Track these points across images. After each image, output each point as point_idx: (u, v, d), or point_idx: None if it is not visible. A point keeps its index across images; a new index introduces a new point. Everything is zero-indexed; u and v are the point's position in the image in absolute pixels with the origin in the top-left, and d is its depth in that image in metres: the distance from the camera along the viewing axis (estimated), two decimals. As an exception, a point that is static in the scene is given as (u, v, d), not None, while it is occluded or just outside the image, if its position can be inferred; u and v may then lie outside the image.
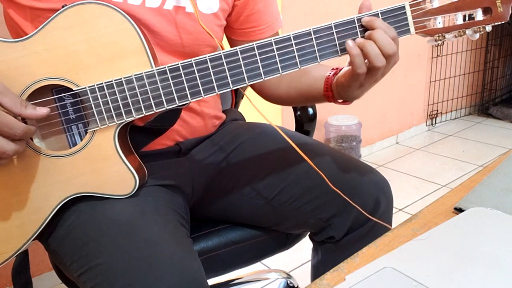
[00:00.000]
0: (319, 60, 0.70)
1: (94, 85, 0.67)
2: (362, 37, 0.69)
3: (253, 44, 0.68)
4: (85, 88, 0.68)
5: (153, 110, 0.69)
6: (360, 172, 0.85)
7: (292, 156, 0.86)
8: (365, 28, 0.69)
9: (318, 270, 0.92)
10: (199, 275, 0.65)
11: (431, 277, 0.52)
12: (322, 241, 0.89)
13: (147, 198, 0.75)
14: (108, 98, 0.68)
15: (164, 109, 0.69)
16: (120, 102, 0.68)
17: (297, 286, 1.27)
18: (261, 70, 0.69)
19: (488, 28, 0.70)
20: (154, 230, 0.68)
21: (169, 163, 0.84)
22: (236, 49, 0.68)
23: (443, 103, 3.05)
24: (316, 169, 0.77)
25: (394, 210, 0.90)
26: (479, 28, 0.70)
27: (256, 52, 0.69)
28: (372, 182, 0.85)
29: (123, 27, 0.67)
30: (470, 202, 0.67)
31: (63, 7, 0.66)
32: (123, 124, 0.70)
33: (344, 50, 0.70)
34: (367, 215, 0.80)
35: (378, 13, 0.69)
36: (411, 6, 0.69)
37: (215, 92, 0.69)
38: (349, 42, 0.69)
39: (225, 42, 0.95)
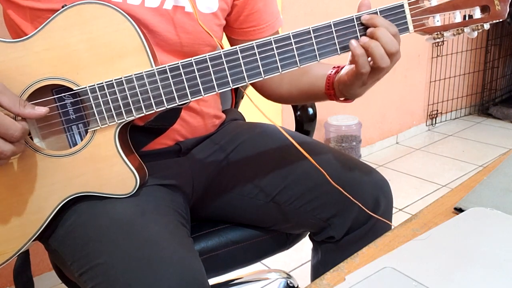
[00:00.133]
0: (318, 58, 0.70)
1: (94, 85, 0.68)
2: (363, 35, 0.69)
3: (252, 43, 0.68)
4: (85, 87, 0.68)
5: (153, 110, 0.69)
6: (360, 172, 0.85)
7: (292, 156, 0.87)
8: (364, 27, 0.69)
9: (318, 270, 0.92)
10: (200, 275, 0.65)
11: (431, 277, 0.52)
12: (322, 241, 0.89)
13: (147, 198, 0.75)
14: (109, 97, 0.68)
15: (164, 108, 0.69)
16: (120, 102, 0.68)
17: (297, 286, 1.27)
18: (261, 69, 0.69)
19: (486, 26, 0.71)
20: (154, 230, 0.68)
21: (169, 163, 0.84)
22: (236, 48, 0.68)
23: (443, 103, 3.05)
24: (318, 166, 0.77)
25: (394, 210, 0.90)
26: (477, 26, 0.71)
27: (256, 51, 0.69)
28: (372, 182, 0.85)
29: (123, 27, 0.67)
30: (470, 202, 0.67)
31: (63, 7, 0.66)
32: (123, 123, 0.70)
33: (343, 49, 0.70)
34: (369, 212, 0.80)
35: (377, 12, 0.69)
36: (409, 4, 0.70)
37: (215, 91, 0.69)
38: (353, 42, 0.69)
39: (225, 42, 0.95)
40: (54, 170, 0.70)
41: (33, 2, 0.71)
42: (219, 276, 0.95)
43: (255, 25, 0.90)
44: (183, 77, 0.68)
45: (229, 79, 0.69)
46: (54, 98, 0.70)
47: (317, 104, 1.10)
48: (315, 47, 0.70)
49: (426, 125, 3.02)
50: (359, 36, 0.70)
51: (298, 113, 1.10)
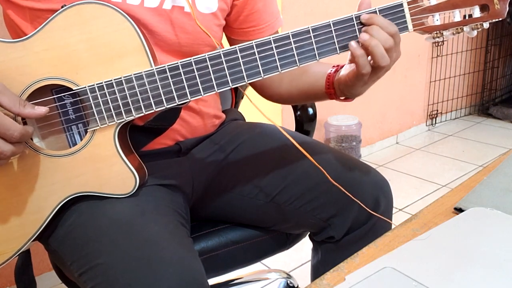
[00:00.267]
0: (318, 58, 0.70)
1: (93, 85, 0.67)
2: None
3: (252, 43, 0.68)
4: (85, 87, 0.68)
5: (153, 109, 0.69)
6: (360, 172, 0.85)
7: (292, 156, 0.87)
8: (363, 26, 0.69)
9: (318, 270, 0.92)
10: (199, 275, 0.65)
11: (431, 277, 0.52)
12: (322, 241, 0.89)
13: (147, 198, 0.75)
14: (108, 97, 0.68)
15: (163, 108, 0.69)
16: (120, 102, 0.68)
17: (297, 286, 1.27)
18: (260, 69, 0.69)
19: (486, 25, 0.71)
20: (154, 230, 0.68)
21: (169, 163, 0.84)
22: (235, 47, 0.68)
23: (443, 103, 3.05)
24: (317, 165, 0.77)
25: (394, 210, 0.90)
26: (476, 25, 0.71)
27: (255, 50, 0.69)
28: (372, 182, 0.85)
29: (123, 26, 0.67)
30: (470, 202, 0.67)
31: (62, 7, 0.66)
32: (123, 123, 0.70)
33: (343, 48, 0.70)
34: (370, 211, 0.80)
35: (376, 11, 0.69)
36: (408, 3, 0.70)
37: (215, 90, 0.69)
38: (353, 44, 0.69)
39: (224, 42, 0.95)
40: (54, 170, 0.70)
41: (33, 2, 0.71)
42: (219, 276, 0.95)
43: (255, 25, 0.90)
44: (183, 76, 0.68)
45: (229, 78, 0.69)
46: (54, 98, 0.70)
47: (317, 104, 1.10)
48: (315, 46, 0.70)
49: (426, 125, 3.02)
50: (358, 36, 0.70)
51: (298, 113, 1.10)
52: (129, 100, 0.68)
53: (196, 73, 0.68)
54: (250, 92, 0.97)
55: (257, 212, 0.89)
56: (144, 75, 0.68)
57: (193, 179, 0.87)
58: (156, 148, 0.83)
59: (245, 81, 0.70)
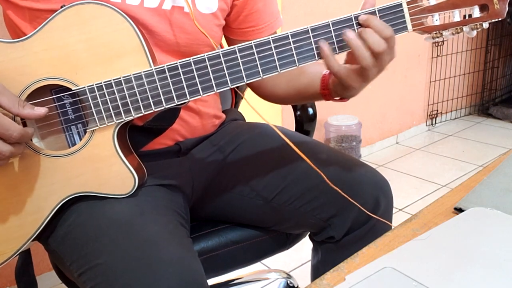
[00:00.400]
0: (317, 58, 0.70)
1: (93, 85, 0.67)
2: None
3: (251, 43, 0.68)
4: (84, 87, 0.68)
5: (152, 109, 0.69)
6: (360, 172, 0.85)
7: (292, 156, 0.86)
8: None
9: (318, 270, 0.92)
10: (199, 275, 0.65)
11: (431, 277, 0.52)
12: (322, 241, 0.89)
13: (147, 198, 0.75)
14: (107, 97, 0.68)
15: (163, 108, 0.69)
16: (119, 102, 0.68)
17: (297, 286, 1.27)
18: (259, 69, 0.69)
19: (485, 25, 0.71)
20: (154, 230, 0.68)
21: (169, 163, 0.84)
22: (234, 47, 0.68)
23: (443, 103, 3.05)
24: (315, 168, 0.77)
25: (394, 210, 0.90)
26: (476, 25, 0.71)
27: (254, 50, 0.69)
28: (372, 182, 0.85)
29: (122, 27, 0.67)
30: (470, 202, 0.67)
31: (61, 7, 0.66)
32: (122, 123, 0.70)
33: (341, 48, 0.70)
34: (368, 213, 0.80)
35: (375, 11, 0.69)
36: (408, 3, 0.69)
37: (214, 90, 0.69)
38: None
39: (223, 42, 0.95)
40: (53, 170, 0.70)
41: (32, 2, 0.71)
42: (219, 276, 0.95)
43: (254, 25, 0.89)
44: (182, 76, 0.68)
45: (228, 78, 0.69)
46: (53, 98, 0.70)
47: (317, 104, 1.10)
48: (314, 46, 0.69)
49: (426, 125, 3.02)
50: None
51: (298, 113, 1.10)
52: (128, 100, 0.68)
53: (195, 73, 0.68)
54: (249, 92, 0.97)
55: (257, 212, 0.89)
56: (143, 75, 0.68)
57: (193, 179, 0.87)
58: (156, 148, 0.83)
59: (244, 81, 0.70)
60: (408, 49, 2.67)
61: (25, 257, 0.83)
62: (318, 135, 2.42)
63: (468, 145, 2.74)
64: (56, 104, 0.71)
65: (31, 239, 0.71)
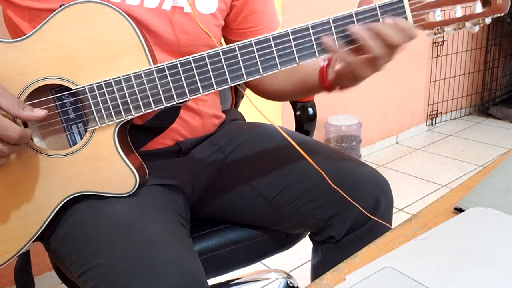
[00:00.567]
0: (317, 55, 0.70)
1: (93, 84, 0.67)
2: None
3: (251, 40, 0.68)
4: (84, 87, 0.68)
5: (152, 108, 0.69)
6: (360, 172, 0.85)
7: (292, 156, 0.86)
8: (363, 22, 0.69)
9: (318, 270, 0.92)
10: (199, 275, 0.65)
11: (431, 277, 0.52)
12: (322, 241, 0.89)
13: (147, 198, 0.75)
14: (107, 96, 0.68)
15: (163, 106, 0.69)
16: (119, 101, 0.68)
17: (297, 286, 1.27)
18: (260, 66, 0.69)
19: (488, 20, 0.70)
20: (154, 230, 0.68)
21: (170, 163, 0.84)
22: (234, 45, 0.68)
23: (443, 103, 3.05)
24: (316, 166, 0.77)
25: (394, 210, 0.90)
26: (478, 20, 0.70)
27: (254, 48, 0.68)
28: (372, 182, 0.85)
29: (121, 25, 0.67)
30: (470, 202, 0.67)
31: (61, 6, 0.66)
32: (122, 122, 0.70)
33: (342, 45, 0.70)
34: (368, 214, 0.80)
35: (376, 7, 0.69)
36: None
37: (214, 89, 0.69)
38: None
39: (222, 43, 0.95)
40: (54, 169, 0.70)
41: (32, 1, 0.71)
42: (219, 276, 0.95)
43: (253, 26, 0.89)
44: (182, 75, 0.68)
45: (228, 76, 0.69)
46: (53, 97, 0.70)
47: (317, 104, 1.10)
48: (314, 43, 0.69)
49: (426, 125, 3.02)
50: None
51: (298, 113, 1.10)
52: (128, 99, 0.68)
53: (195, 71, 0.68)
54: (249, 92, 0.97)
55: (257, 212, 0.89)
56: (143, 74, 0.68)
57: (193, 179, 0.87)
58: (156, 148, 0.83)
59: (244, 79, 0.69)
60: (408, 49, 2.66)
61: (24, 258, 0.83)
62: (318, 135, 2.42)
63: (468, 145, 2.74)
64: (57, 103, 0.70)
65: (33, 239, 0.71)
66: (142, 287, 0.61)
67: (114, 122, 0.69)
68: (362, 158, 2.54)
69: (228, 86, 0.69)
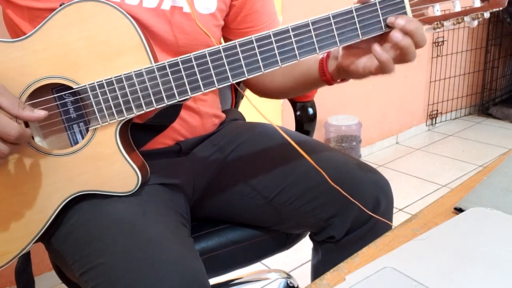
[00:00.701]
0: (318, 51, 0.70)
1: (94, 83, 0.67)
2: (362, 26, 0.69)
3: (251, 37, 0.68)
4: (85, 86, 0.68)
5: (154, 106, 0.69)
6: (360, 172, 0.85)
7: (292, 156, 0.86)
8: (363, 18, 0.69)
9: (318, 270, 0.92)
10: (200, 275, 0.65)
11: (431, 277, 0.52)
12: (322, 241, 0.89)
13: (149, 198, 0.75)
14: (108, 95, 0.68)
15: (164, 104, 0.69)
16: (120, 99, 0.68)
17: (297, 286, 1.27)
18: (260, 63, 0.69)
19: (486, 14, 0.70)
20: (156, 230, 0.68)
21: (170, 163, 0.84)
22: (235, 42, 0.68)
23: (443, 103, 3.05)
24: (316, 166, 0.77)
25: (394, 210, 0.90)
26: (477, 15, 0.70)
27: (255, 45, 0.68)
28: (372, 182, 0.85)
29: (122, 24, 0.67)
30: (470, 202, 0.67)
31: (61, 5, 0.66)
32: (124, 121, 0.70)
33: (343, 41, 0.70)
34: (369, 212, 0.80)
35: (376, 3, 0.69)
36: None
37: (215, 86, 0.69)
38: (377, 49, 0.68)
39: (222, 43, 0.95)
40: (56, 169, 0.70)
41: (31, 1, 0.71)
42: (219, 276, 0.95)
43: (252, 25, 0.89)
44: (183, 73, 0.68)
45: (229, 74, 0.69)
46: (54, 97, 0.70)
47: (317, 104, 1.10)
48: (314, 39, 0.69)
49: (426, 125, 3.02)
50: (358, 28, 0.69)
51: (298, 113, 1.10)
52: (129, 97, 0.68)
53: (196, 69, 0.68)
54: (249, 92, 0.97)
55: (257, 212, 0.89)
56: (144, 72, 0.68)
57: (194, 179, 0.87)
58: (157, 148, 0.83)
59: (245, 76, 0.69)
60: (408, 49, 2.67)
61: (24, 258, 0.83)
62: (318, 135, 2.42)
63: (468, 145, 2.74)
64: (58, 103, 0.70)
65: (35, 239, 0.71)
66: (144, 286, 0.61)
67: (115, 120, 0.69)
68: (362, 158, 2.54)
69: (229, 83, 0.69)
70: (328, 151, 0.89)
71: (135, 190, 0.72)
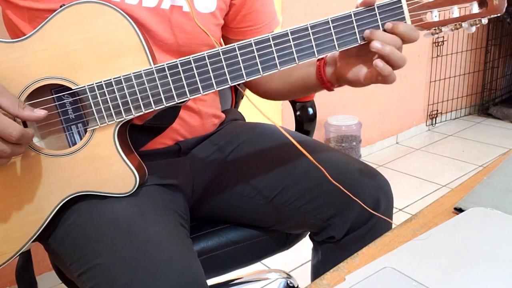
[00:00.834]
0: (316, 55, 0.70)
1: (93, 84, 0.67)
2: (360, 31, 0.69)
3: (250, 41, 0.68)
4: (84, 87, 0.67)
5: (152, 108, 0.69)
6: (360, 172, 0.85)
7: (292, 156, 0.86)
8: (362, 22, 0.69)
9: (318, 270, 0.92)
10: (198, 275, 0.65)
11: (431, 277, 0.52)
12: (322, 241, 0.89)
13: (147, 198, 0.74)
14: (107, 96, 0.68)
15: (163, 106, 0.69)
16: (119, 101, 0.68)
17: (297, 286, 1.27)
18: (259, 66, 0.69)
19: (484, 21, 0.71)
20: (153, 231, 0.68)
21: (169, 163, 0.84)
22: (234, 45, 0.68)
23: (443, 103, 3.05)
24: (317, 164, 0.77)
25: (394, 210, 0.90)
26: (475, 21, 0.71)
27: (254, 48, 0.69)
28: (372, 182, 0.85)
29: (121, 25, 0.67)
30: (470, 202, 0.67)
31: (61, 6, 0.66)
32: (122, 122, 0.70)
33: (341, 45, 0.70)
34: (370, 210, 0.80)
35: (374, 7, 0.69)
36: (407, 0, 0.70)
37: (214, 88, 0.69)
38: (379, 64, 0.69)
39: (222, 42, 0.95)
40: (54, 169, 0.69)
41: (31, 2, 0.71)
42: (219, 276, 0.95)
43: (252, 24, 0.89)
44: (182, 75, 0.68)
45: (228, 76, 0.69)
46: (53, 97, 0.70)
47: (317, 104, 1.10)
48: (313, 43, 0.69)
49: (426, 125, 3.02)
50: (357, 33, 0.70)
51: (298, 113, 1.10)
52: (128, 99, 0.68)
53: (195, 71, 0.68)
54: (249, 92, 0.97)
55: (257, 212, 0.89)
56: (143, 74, 0.68)
57: (193, 179, 0.87)
58: (156, 148, 0.83)
59: (244, 79, 0.69)
60: (408, 49, 2.65)
61: (25, 258, 0.83)
62: (318, 135, 2.42)
63: (468, 145, 2.74)
64: (56, 103, 0.70)
65: (33, 239, 0.71)
66: (142, 287, 0.61)
67: (114, 122, 0.69)
68: (362, 158, 2.54)
69: (228, 85, 0.70)
70: (328, 151, 0.89)
71: (132, 191, 0.72)
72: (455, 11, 0.70)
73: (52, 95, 0.70)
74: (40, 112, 0.64)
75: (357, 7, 0.70)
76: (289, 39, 0.69)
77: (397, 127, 2.83)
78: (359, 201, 0.79)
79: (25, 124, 0.69)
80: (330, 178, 0.77)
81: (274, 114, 2.16)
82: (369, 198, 0.82)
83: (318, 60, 0.80)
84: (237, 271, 0.97)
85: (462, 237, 0.59)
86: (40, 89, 0.67)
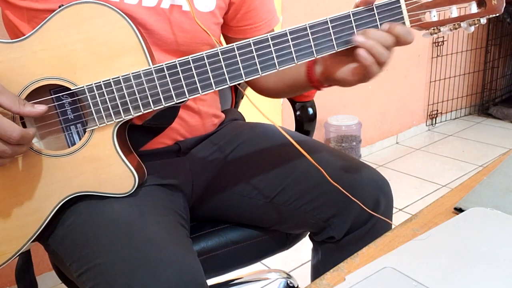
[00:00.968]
0: (315, 55, 0.70)
1: (92, 84, 0.67)
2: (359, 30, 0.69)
3: (249, 41, 0.68)
4: (83, 87, 0.67)
5: (151, 108, 0.69)
6: (360, 172, 0.85)
7: (292, 156, 0.86)
8: (361, 22, 0.69)
9: (318, 270, 0.92)
10: (198, 275, 0.65)
11: (431, 277, 0.52)
12: (322, 241, 0.89)
13: (146, 198, 0.74)
14: (106, 96, 0.68)
15: (162, 106, 0.69)
16: (118, 101, 0.68)
17: (297, 286, 1.27)
18: (258, 66, 0.69)
19: (483, 20, 0.71)
20: (153, 230, 0.68)
21: (169, 163, 0.84)
22: (233, 45, 0.68)
23: (443, 103, 3.05)
24: (317, 165, 0.77)
25: (394, 210, 0.90)
26: (473, 20, 0.71)
27: (253, 48, 0.69)
28: (372, 182, 0.85)
29: (120, 26, 0.67)
30: (470, 202, 0.67)
31: (60, 7, 0.66)
32: (121, 122, 0.70)
33: (340, 45, 0.70)
34: (369, 211, 0.80)
35: (373, 7, 0.69)
36: None
37: (213, 88, 0.69)
38: (362, 53, 0.68)
39: (222, 41, 0.95)
40: (53, 170, 0.69)
41: (30, 2, 0.71)
42: (219, 276, 0.95)
43: (252, 23, 0.89)
44: (181, 75, 0.68)
45: (226, 76, 0.69)
46: (52, 98, 0.70)
47: (317, 104, 1.10)
48: (312, 43, 0.69)
49: (426, 125, 3.02)
50: (355, 33, 0.69)
51: (298, 113, 1.10)
52: (127, 99, 0.68)
53: (194, 71, 0.68)
54: (249, 92, 0.97)
55: (257, 212, 0.89)
56: (142, 74, 0.68)
57: (193, 179, 0.87)
58: (156, 148, 0.83)
59: (243, 79, 0.69)
60: (408, 49, 2.67)
61: (25, 258, 0.83)
62: (318, 135, 2.42)
63: (468, 145, 2.74)
64: (55, 104, 0.70)
65: (32, 239, 0.71)
66: (141, 287, 0.60)
67: (113, 122, 0.69)
68: (362, 158, 2.54)
69: (227, 85, 0.70)
70: (328, 151, 0.89)
71: (132, 192, 0.72)
72: (454, 11, 0.70)
73: (51, 95, 0.70)
74: (41, 107, 0.65)
75: (355, 7, 0.70)
76: (288, 39, 0.69)
77: (397, 127, 2.83)
78: (359, 203, 0.79)
79: (24, 124, 0.69)
80: (329, 179, 0.77)
81: (274, 114, 2.16)
82: (369, 198, 0.82)
83: None
84: (237, 271, 0.97)
85: (462, 237, 0.59)
86: (39, 89, 0.67)
